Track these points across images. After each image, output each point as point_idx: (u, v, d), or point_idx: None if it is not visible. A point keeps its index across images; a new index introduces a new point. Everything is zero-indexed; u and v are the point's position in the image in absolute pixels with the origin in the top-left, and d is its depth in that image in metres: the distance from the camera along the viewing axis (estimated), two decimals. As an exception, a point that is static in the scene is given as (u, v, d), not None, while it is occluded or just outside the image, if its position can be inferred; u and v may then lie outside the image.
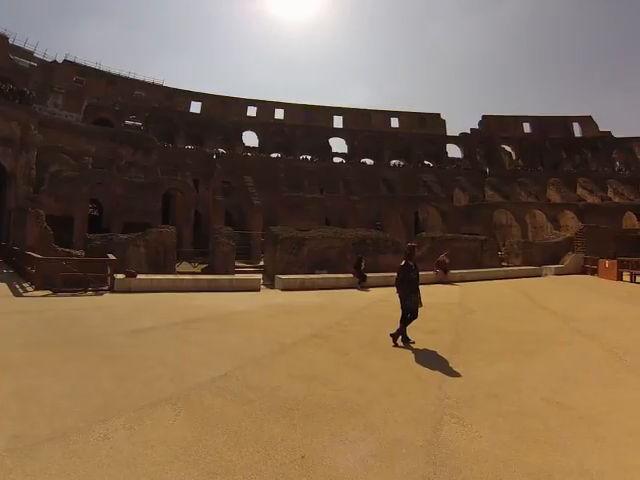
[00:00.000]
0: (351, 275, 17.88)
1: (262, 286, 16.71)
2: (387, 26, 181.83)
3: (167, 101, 55.40)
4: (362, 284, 17.17)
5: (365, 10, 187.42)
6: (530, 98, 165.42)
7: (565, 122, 66.05)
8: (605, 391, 5.19)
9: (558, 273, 23.39)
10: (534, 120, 65.80)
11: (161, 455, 3.35)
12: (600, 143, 62.52)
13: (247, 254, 28.69)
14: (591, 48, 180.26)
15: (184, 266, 21.49)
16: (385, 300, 12.03)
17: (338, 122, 62.79)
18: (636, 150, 61.93)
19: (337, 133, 62.17)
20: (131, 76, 54.94)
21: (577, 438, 3.89)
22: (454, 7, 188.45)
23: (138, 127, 48.83)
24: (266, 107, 60.59)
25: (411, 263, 7.68)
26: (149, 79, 56.59)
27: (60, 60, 48.28)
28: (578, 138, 64.94)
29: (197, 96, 58.27)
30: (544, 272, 23.57)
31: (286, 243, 19.85)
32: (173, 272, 18.30)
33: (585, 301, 13.89)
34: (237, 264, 22.43)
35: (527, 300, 14.14)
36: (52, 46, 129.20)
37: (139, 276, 14.98)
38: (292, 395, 4.82)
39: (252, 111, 60.12)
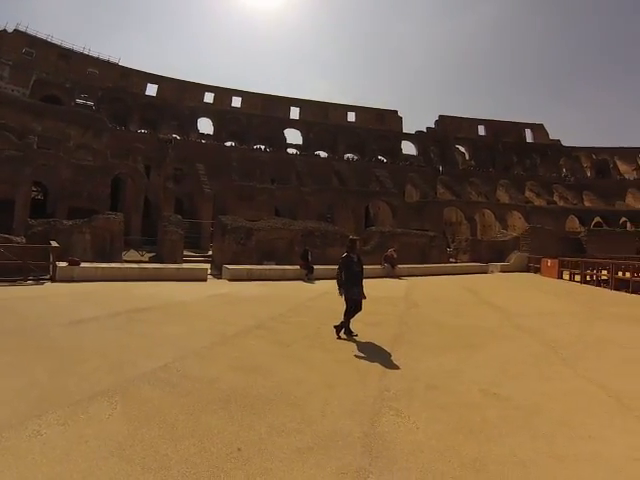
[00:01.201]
0: (298, 267, 17.99)
1: (209, 276, 16.76)
2: (354, 22, 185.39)
3: (122, 81, 53.28)
4: (309, 276, 17.33)
5: (334, 3, 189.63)
6: (486, 103, 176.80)
7: (518, 128, 70.65)
8: (540, 383, 5.42)
9: (504, 270, 24.58)
10: (489, 123, 69.58)
11: (95, 451, 3.27)
12: (549, 150, 67.64)
13: (196, 243, 28.57)
14: (547, 63, 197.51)
15: (132, 254, 21.15)
16: (331, 292, 12.11)
17: (295, 113, 63.19)
18: (582, 159, 67.64)
19: (293, 124, 62.56)
20: (85, 52, 52.24)
21: (512, 428, 4.02)
22: (423, 9, 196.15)
23: (89, 107, 46.81)
24: (224, 94, 59.88)
25: (353, 256, 7.73)
26: (104, 56, 54.27)
27: (10, 29, 45.27)
28: (529, 144, 69.65)
29: (154, 78, 56.35)
30: (490, 269, 24.64)
31: (235, 233, 19.87)
32: (120, 261, 17.96)
33: (527, 297, 14.64)
34: (186, 253, 22.41)
35: (472, 295, 14.70)
36: (1, 14, 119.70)
37: (83, 264, 14.42)
38: (231, 387, 4.76)
39: (209, 97, 59.25)
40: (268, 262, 19.59)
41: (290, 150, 58.60)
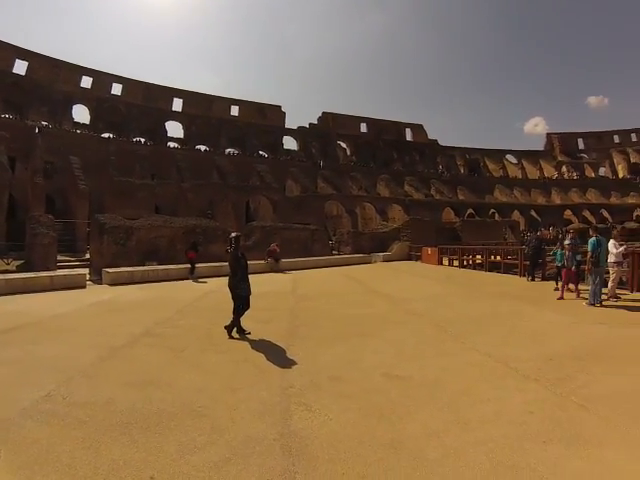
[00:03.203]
0: (182, 266, 18.02)
1: (88, 282, 16.02)
2: (245, 17, 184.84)
3: (-20, 54, 44.84)
4: (193, 274, 17.41)
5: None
6: (370, 104, 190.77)
7: (399, 127, 76.27)
8: (436, 360, 5.92)
9: (386, 260, 26.22)
10: (371, 121, 73.83)
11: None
12: (427, 149, 74.81)
13: (72, 247, 26.68)
14: (427, 70, 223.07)
15: (-6, 264, 18.46)
16: (217, 291, 12.03)
17: (178, 105, 60.40)
18: (457, 158, 76.55)
19: (175, 117, 59.92)
20: None
21: (419, 405, 4.33)
22: (314, 11, 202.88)
23: None
24: (103, 79, 54.38)
25: (238, 252, 7.70)
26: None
27: None
28: (409, 142, 75.78)
29: (23, 53, 48.46)
30: (373, 259, 26.10)
31: (114, 233, 19.10)
32: (-23, 272, 15.60)
33: (411, 284, 15.82)
34: (60, 258, 20.88)
35: (358, 285, 15.49)
36: None
37: None
38: (128, 407, 4.37)
39: (87, 82, 53.19)
40: (150, 262, 19.10)
41: (171, 144, 55.91)
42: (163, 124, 58.14)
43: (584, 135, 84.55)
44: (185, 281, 16.48)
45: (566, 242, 11.53)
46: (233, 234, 8.20)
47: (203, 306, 11.20)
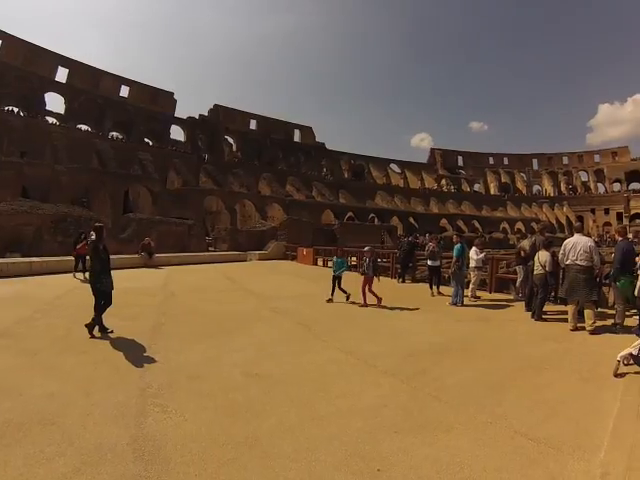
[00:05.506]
0: (51, 258, 16.49)
1: None
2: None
3: None
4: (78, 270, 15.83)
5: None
6: (263, 100, 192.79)
7: (288, 127, 76.85)
8: (297, 357, 6.07)
9: (262, 258, 26.26)
10: (261, 119, 73.40)
11: None
12: (314, 151, 76.35)
13: None
14: (326, 77, 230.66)
15: None
16: (81, 287, 11.03)
17: (62, 75, 52.99)
18: (342, 162, 79.65)
19: (58, 88, 52.55)
20: None
21: (276, 402, 4.40)
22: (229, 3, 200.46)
23: None
24: None
25: (100, 244, 7.33)
26: None
27: None
28: (296, 143, 76.79)
29: None
30: (249, 257, 26.02)
31: None
32: None
33: (283, 282, 16.03)
34: None
35: (230, 283, 15.36)
36: None
37: None
38: None
39: None
40: (12, 254, 17.04)
41: (49, 119, 49.40)
42: (42, 95, 51.13)
43: (464, 154, 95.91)
44: (52, 276, 14.94)
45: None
46: (96, 224, 7.79)
47: (65, 303, 10.30)
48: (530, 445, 3.54)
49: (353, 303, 10.63)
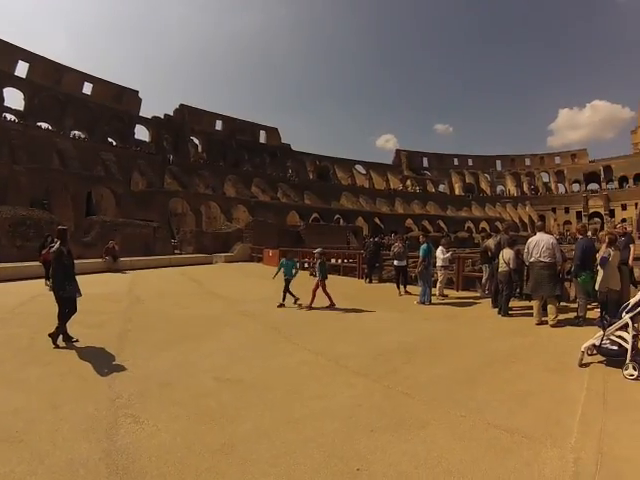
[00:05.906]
0: (7, 265, 15.88)
1: None
2: None
3: None
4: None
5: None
6: (228, 100, 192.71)
7: (254, 128, 76.81)
8: (268, 361, 6.04)
9: (228, 260, 26.02)
10: (227, 120, 72.97)
11: None
12: (279, 152, 76.27)
13: None
14: (292, 78, 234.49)
15: None
16: (44, 294, 10.65)
17: (22, 70, 50.60)
18: (307, 163, 79.91)
19: (17, 83, 50.22)
20: None
21: (249, 406, 4.38)
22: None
23: None
24: None
25: (64, 248, 7.06)
26: None
27: None
28: (262, 144, 76.73)
29: None
30: (215, 260, 25.72)
31: None
32: None
33: (249, 285, 15.92)
34: None
35: (197, 286, 15.15)
36: None
37: None
38: None
39: None
40: None
41: (8, 115, 47.34)
42: (0, 90, 48.95)
43: (429, 155, 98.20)
44: (13, 283, 14.36)
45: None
46: (60, 227, 7.54)
47: (27, 311, 9.88)
48: (504, 436, 3.67)
49: (312, 308, 10.30)
